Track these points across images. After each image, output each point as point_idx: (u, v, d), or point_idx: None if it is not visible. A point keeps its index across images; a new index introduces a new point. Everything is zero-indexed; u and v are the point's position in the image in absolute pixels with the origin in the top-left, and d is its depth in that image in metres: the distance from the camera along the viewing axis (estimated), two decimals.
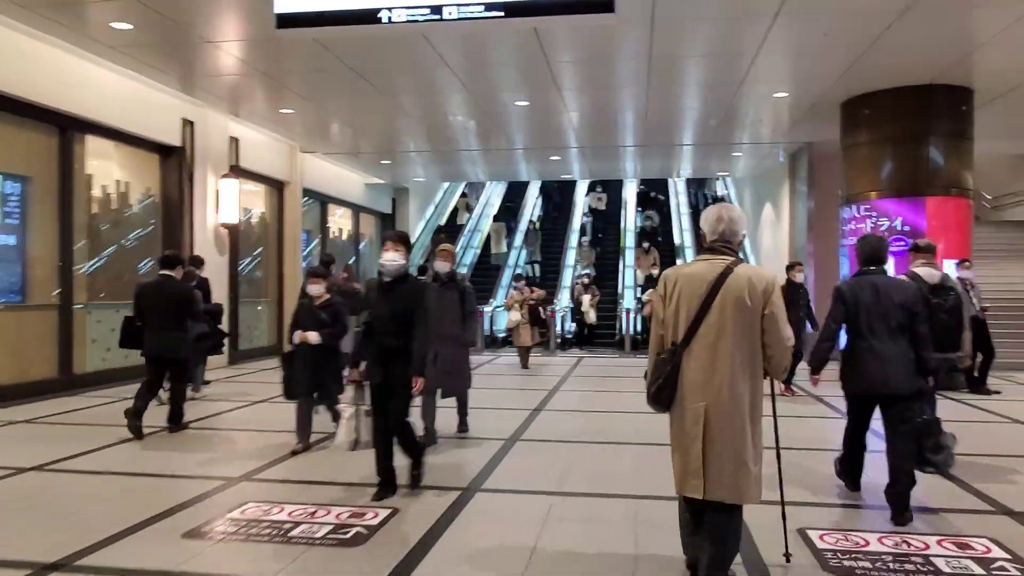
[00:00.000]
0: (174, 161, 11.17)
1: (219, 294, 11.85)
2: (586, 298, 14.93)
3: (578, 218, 21.46)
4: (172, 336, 6.66)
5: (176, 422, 6.70)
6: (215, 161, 11.84)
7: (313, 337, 5.72)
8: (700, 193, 22.53)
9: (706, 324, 2.91)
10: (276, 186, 14.50)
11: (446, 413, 6.50)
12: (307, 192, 15.74)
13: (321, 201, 16.69)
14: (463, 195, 22.99)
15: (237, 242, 12.67)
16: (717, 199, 21.07)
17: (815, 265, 13.44)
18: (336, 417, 5.73)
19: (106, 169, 10.32)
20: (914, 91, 9.71)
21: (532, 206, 22.97)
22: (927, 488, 4.72)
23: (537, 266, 19.40)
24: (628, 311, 15.11)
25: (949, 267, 9.55)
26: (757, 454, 2.93)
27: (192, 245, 11.38)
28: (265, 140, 13.55)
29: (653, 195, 21.42)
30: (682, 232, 20.12)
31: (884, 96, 9.89)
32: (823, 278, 13.80)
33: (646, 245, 17.51)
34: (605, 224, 21.02)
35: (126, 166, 10.69)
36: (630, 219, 20.87)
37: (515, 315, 11.80)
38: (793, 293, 8.92)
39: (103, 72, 9.38)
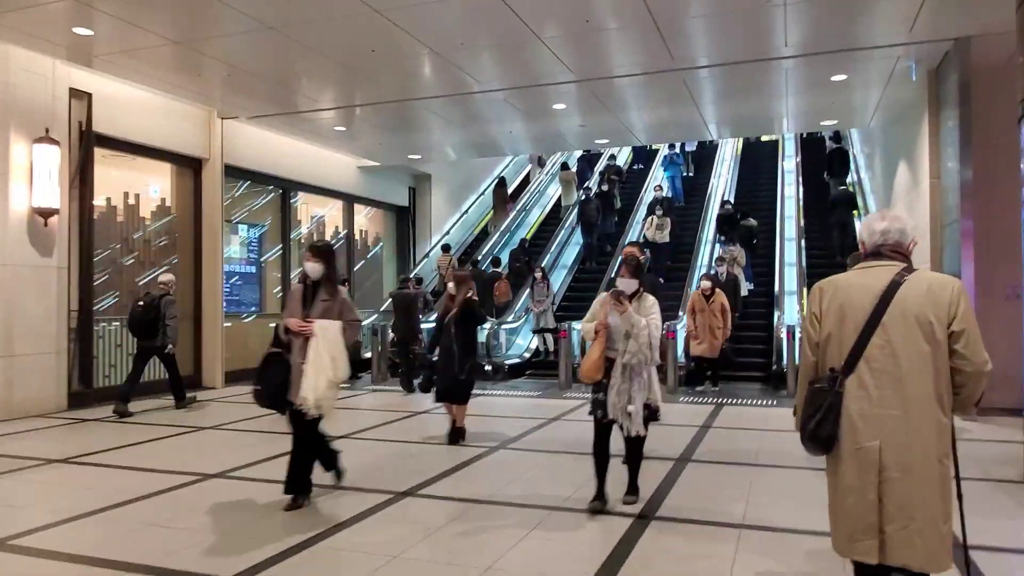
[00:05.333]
0: None
1: (42, 311, 8.39)
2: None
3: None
4: None
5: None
6: (28, 120, 8.33)
7: None
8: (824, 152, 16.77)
9: (876, 344, 2.37)
10: (188, 164, 10.92)
11: None
12: (249, 175, 12.12)
13: (282, 188, 13.01)
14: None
15: (88, 237, 9.13)
16: (840, 154, 15.09)
17: (975, 249, 7.94)
18: None
19: None
20: None
21: (558, 242, 15.70)
22: None
23: (549, 338, 12.44)
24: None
25: None
26: (947, 508, 2.32)
27: None
28: (156, 101, 9.99)
29: (741, 217, 13.76)
30: (783, 280, 12.22)
31: None
32: (990, 269, 8.33)
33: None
34: (670, 266, 13.88)
35: None
36: (702, 267, 13.03)
37: None
38: None
39: None
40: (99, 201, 9.66)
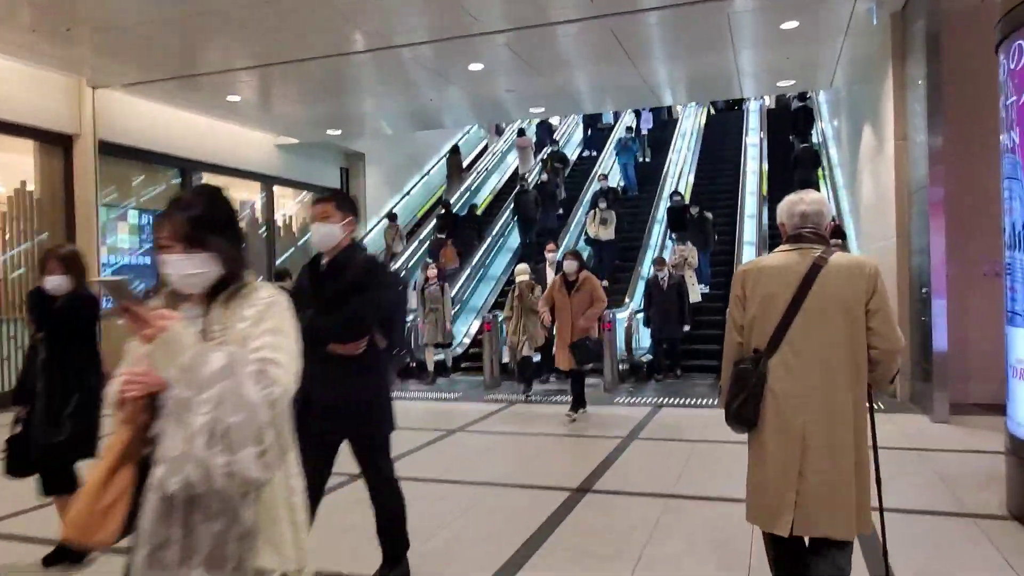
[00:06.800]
0: None
1: None
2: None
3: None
4: None
5: None
6: None
7: None
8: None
9: (798, 326, 2.45)
10: (54, 142, 9.51)
11: None
12: (136, 153, 10.70)
13: (182, 168, 11.61)
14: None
15: None
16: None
17: (946, 220, 6.76)
18: None
19: None
20: None
21: (502, 224, 14.44)
22: None
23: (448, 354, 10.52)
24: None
25: None
26: (864, 477, 2.46)
27: None
28: (4, 67, 8.57)
29: (696, 213, 11.82)
30: (740, 261, 10.91)
31: None
32: (965, 243, 7.26)
33: None
34: (619, 265, 12.29)
35: None
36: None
37: None
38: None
39: None
40: None
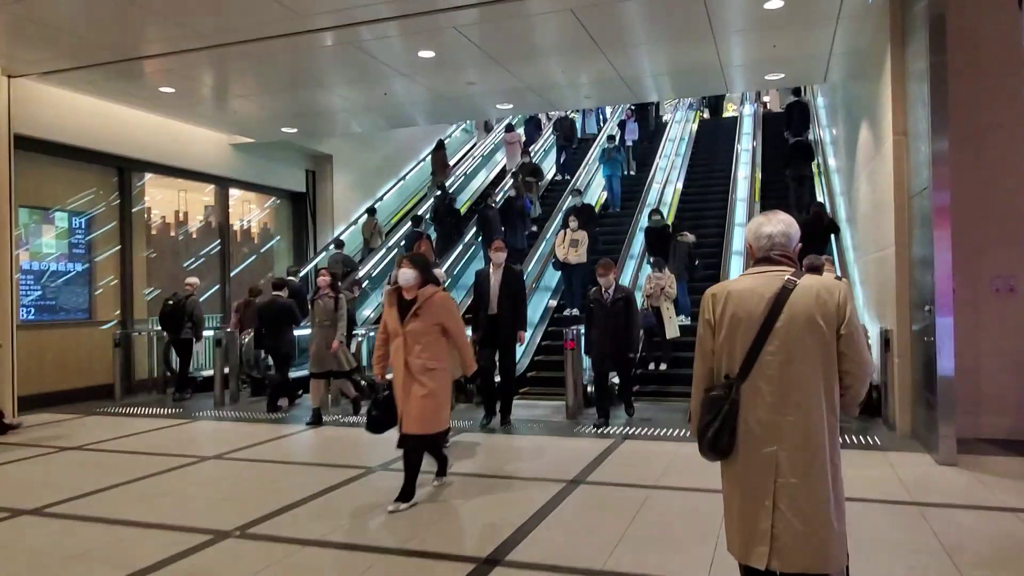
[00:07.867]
0: None
1: None
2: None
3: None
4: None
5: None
6: None
7: None
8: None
9: (769, 351, 2.39)
10: None
11: None
12: (62, 149, 9.79)
13: (120, 167, 10.70)
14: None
15: None
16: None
17: (953, 228, 5.78)
18: None
19: None
20: None
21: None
22: None
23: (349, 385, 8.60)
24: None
25: None
26: (840, 509, 2.40)
27: None
28: None
29: (675, 233, 10.67)
30: (728, 275, 10.06)
31: None
32: (974, 254, 6.32)
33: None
34: (584, 295, 10.42)
35: None
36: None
37: None
38: None
39: None
40: None
